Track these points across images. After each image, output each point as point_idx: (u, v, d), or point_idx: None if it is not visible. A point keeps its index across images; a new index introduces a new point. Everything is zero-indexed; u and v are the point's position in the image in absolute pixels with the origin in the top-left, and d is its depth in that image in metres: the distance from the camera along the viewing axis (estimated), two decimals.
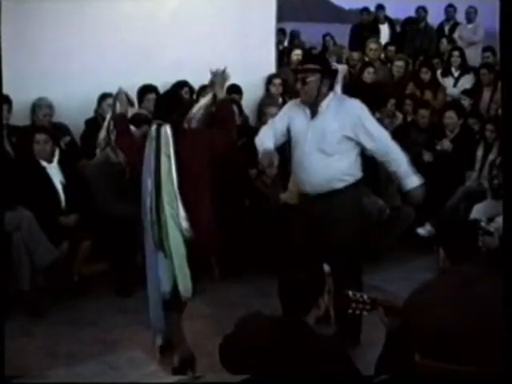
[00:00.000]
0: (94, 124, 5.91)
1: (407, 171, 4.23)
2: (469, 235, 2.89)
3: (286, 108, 4.56)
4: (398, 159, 4.22)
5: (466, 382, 2.65)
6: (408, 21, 10.06)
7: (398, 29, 10.23)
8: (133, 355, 4.35)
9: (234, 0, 6.56)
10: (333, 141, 4.16)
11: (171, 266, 4.03)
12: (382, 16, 10.07)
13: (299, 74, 4.26)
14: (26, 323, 4.67)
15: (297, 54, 7.79)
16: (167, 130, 4.00)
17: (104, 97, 5.87)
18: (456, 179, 6.22)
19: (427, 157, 6.38)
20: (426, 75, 7.85)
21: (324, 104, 4.21)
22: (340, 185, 4.23)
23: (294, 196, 4.99)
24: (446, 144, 6.39)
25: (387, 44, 9.17)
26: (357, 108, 4.22)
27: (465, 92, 7.46)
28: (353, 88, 7.37)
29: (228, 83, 4.61)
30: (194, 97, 6.11)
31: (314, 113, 4.24)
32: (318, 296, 2.76)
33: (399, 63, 8.05)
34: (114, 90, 5.87)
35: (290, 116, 4.36)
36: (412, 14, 10.03)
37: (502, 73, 3.25)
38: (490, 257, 2.95)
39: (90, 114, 5.96)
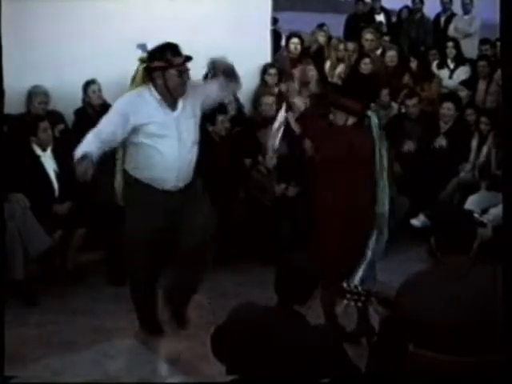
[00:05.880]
0: (83, 113, 5.86)
1: None
2: (462, 226, 2.88)
3: None
4: None
5: (460, 372, 2.67)
6: (404, 9, 10.06)
7: (394, 19, 10.22)
8: (127, 344, 4.36)
9: None
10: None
11: None
12: (378, 6, 10.05)
13: None
14: (20, 312, 4.66)
15: (294, 42, 7.75)
16: None
17: (88, 84, 5.82)
18: (450, 170, 6.22)
19: (407, 147, 6.35)
20: (420, 66, 7.85)
21: None
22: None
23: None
24: (442, 141, 6.34)
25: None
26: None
27: (463, 83, 7.44)
28: (351, 80, 7.35)
29: None
30: None
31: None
32: (315, 286, 2.77)
33: (391, 53, 8.03)
34: (108, 79, 5.90)
35: None
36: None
37: (502, 64, 3.24)
38: (484, 248, 2.96)
39: None
